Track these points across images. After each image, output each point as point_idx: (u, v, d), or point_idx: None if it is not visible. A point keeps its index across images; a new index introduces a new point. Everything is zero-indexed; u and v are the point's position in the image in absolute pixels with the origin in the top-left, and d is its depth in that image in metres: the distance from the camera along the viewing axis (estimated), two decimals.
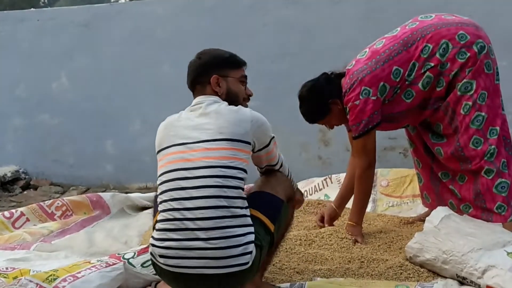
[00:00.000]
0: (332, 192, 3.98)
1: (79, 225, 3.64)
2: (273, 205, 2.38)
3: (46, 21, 5.66)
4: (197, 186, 2.19)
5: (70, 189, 5.44)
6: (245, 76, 2.54)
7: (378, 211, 3.91)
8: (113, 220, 3.77)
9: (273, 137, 2.42)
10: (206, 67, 2.46)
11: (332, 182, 4.30)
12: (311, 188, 4.35)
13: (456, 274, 2.63)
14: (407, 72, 3.02)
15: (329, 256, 2.97)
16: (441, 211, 2.97)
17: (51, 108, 5.71)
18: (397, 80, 3.02)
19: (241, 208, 2.22)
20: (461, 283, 2.62)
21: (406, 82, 3.03)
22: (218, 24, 5.05)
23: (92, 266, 2.54)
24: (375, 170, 3.96)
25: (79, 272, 2.47)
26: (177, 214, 2.19)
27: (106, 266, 2.55)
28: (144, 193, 4.41)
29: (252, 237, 2.21)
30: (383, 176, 4.17)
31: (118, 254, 2.78)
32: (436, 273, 2.75)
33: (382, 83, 3.02)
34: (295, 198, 2.62)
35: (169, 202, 2.22)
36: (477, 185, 3.03)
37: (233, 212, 2.18)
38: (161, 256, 2.22)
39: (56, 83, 5.67)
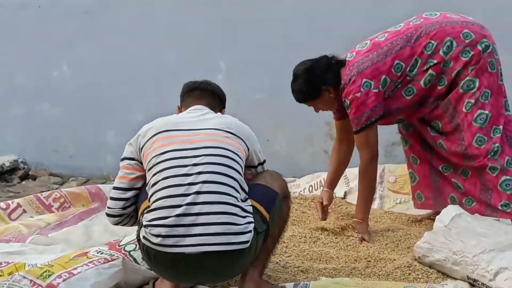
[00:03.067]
0: (337, 187, 3.83)
1: (77, 218, 3.55)
2: (268, 196, 2.37)
3: (47, 7, 5.50)
4: (203, 162, 2.20)
5: (69, 180, 5.32)
6: None
7: (385, 208, 3.80)
8: None
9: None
10: (222, 97, 2.66)
11: None
12: (317, 183, 4.20)
13: (467, 276, 2.55)
14: (409, 68, 2.98)
15: (334, 255, 2.89)
16: (451, 210, 2.90)
17: (52, 97, 5.58)
18: (399, 74, 2.99)
19: (241, 196, 2.25)
20: (472, 285, 2.54)
21: (408, 78, 3.00)
22: (224, 12, 4.95)
23: (89, 262, 2.44)
24: (383, 165, 3.91)
25: (75, 268, 2.38)
26: (181, 190, 2.16)
27: (104, 262, 2.44)
28: None
29: (251, 219, 2.20)
30: (390, 172, 4.05)
31: (119, 245, 2.69)
32: (445, 274, 2.67)
33: (383, 76, 2.97)
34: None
35: (171, 179, 2.19)
36: (483, 180, 2.99)
37: (234, 193, 2.20)
38: (158, 235, 2.14)
39: (57, 71, 5.54)
